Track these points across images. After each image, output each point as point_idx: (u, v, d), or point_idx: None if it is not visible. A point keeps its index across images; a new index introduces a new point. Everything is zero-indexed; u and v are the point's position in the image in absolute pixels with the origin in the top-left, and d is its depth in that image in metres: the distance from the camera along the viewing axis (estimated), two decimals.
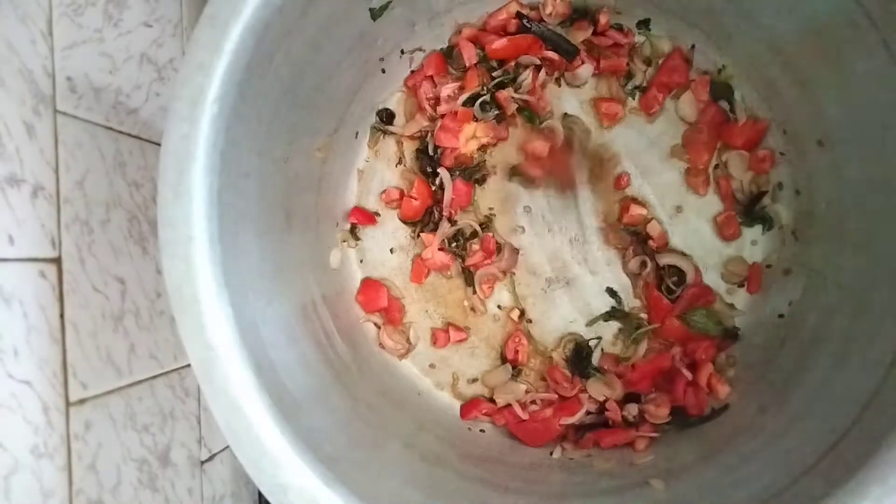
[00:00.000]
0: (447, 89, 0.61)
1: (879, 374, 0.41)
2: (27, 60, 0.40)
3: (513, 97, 0.61)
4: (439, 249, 0.63)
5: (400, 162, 0.65)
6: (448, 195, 0.62)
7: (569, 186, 0.62)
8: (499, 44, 0.60)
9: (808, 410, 0.47)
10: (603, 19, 0.60)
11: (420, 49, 0.62)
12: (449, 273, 0.65)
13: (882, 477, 0.34)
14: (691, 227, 0.62)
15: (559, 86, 0.63)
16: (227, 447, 0.53)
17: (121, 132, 0.49)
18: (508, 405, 0.62)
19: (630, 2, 0.59)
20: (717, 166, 0.61)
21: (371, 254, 0.65)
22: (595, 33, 0.61)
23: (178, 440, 0.54)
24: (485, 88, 0.61)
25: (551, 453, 0.59)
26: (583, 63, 0.61)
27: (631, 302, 0.63)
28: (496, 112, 0.62)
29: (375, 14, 0.52)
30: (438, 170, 0.63)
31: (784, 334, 0.57)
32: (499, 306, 0.64)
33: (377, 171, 0.65)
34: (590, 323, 0.63)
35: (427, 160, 0.63)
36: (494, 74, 0.61)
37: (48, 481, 0.39)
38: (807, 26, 0.48)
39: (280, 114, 0.46)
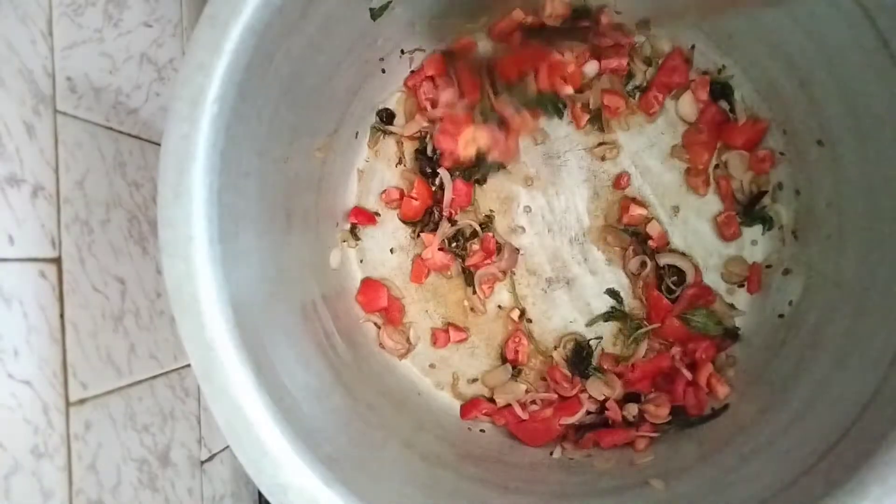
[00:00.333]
0: (446, 94, 0.61)
1: (879, 374, 0.41)
2: (27, 60, 0.40)
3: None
4: (439, 249, 0.63)
5: (400, 162, 0.65)
6: (448, 195, 0.62)
7: None
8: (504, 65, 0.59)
9: (808, 410, 0.47)
10: (604, 19, 0.60)
11: (420, 49, 0.62)
12: (449, 273, 0.65)
13: (882, 477, 0.34)
14: (691, 227, 0.62)
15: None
16: (227, 447, 0.53)
17: (121, 132, 0.49)
18: (508, 405, 0.62)
19: (630, 2, 0.59)
20: (717, 166, 0.61)
21: (371, 254, 0.65)
22: (596, 33, 0.61)
23: (178, 440, 0.54)
24: (485, 96, 0.61)
25: (551, 453, 0.59)
26: (586, 61, 0.61)
27: (631, 302, 0.63)
28: (496, 119, 0.62)
29: (375, 14, 0.52)
30: (438, 170, 0.63)
31: (784, 334, 0.57)
32: (499, 306, 0.64)
33: (377, 171, 0.65)
34: (590, 323, 0.63)
35: (426, 161, 0.63)
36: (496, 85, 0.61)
37: (48, 481, 0.39)
38: (807, 26, 0.48)
39: (280, 114, 0.46)
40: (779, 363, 0.55)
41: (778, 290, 0.59)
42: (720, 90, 0.60)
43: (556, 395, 0.62)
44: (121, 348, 0.47)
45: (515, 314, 0.64)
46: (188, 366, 0.55)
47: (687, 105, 0.61)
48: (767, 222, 0.60)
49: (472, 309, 0.65)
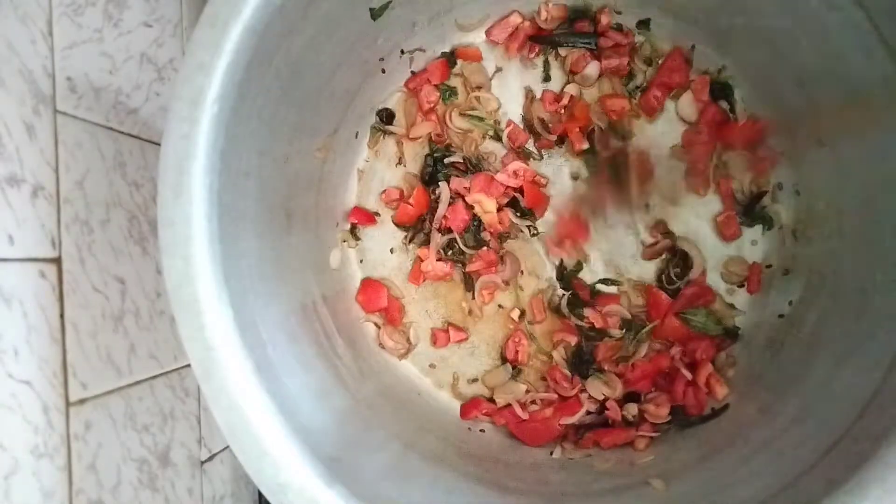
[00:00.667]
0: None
1: (879, 374, 0.41)
2: (27, 60, 0.40)
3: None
4: (437, 260, 0.63)
5: (400, 162, 0.65)
6: (441, 210, 0.62)
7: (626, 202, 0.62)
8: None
9: (808, 410, 0.47)
10: (604, 20, 0.60)
11: (420, 49, 0.62)
12: (450, 277, 0.65)
13: (882, 477, 0.34)
14: (691, 227, 0.62)
15: None
16: (227, 447, 0.53)
17: (121, 132, 0.49)
18: (508, 405, 0.62)
19: (630, 2, 0.59)
20: (716, 166, 0.61)
21: (371, 254, 0.65)
22: (596, 34, 0.61)
23: (178, 440, 0.54)
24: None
25: (551, 453, 0.59)
26: (588, 62, 0.61)
27: (633, 302, 0.63)
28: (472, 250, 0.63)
29: (375, 14, 0.52)
30: (439, 183, 0.63)
31: (784, 334, 0.57)
32: (500, 305, 0.64)
33: (377, 171, 0.65)
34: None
35: (434, 167, 0.63)
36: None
37: (48, 481, 0.39)
38: (807, 26, 0.48)
39: (280, 114, 0.46)
40: (779, 363, 0.55)
41: (778, 290, 0.59)
42: (720, 90, 0.60)
43: (556, 395, 0.62)
44: (121, 348, 0.47)
45: (516, 314, 0.64)
46: (188, 366, 0.55)
47: (687, 105, 0.60)
48: (767, 222, 0.60)
49: (469, 312, 0.64)
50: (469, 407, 0.63)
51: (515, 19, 0.61)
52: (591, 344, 0.62)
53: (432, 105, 0.63)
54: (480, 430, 0.63)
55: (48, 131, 0.41)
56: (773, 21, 0.51)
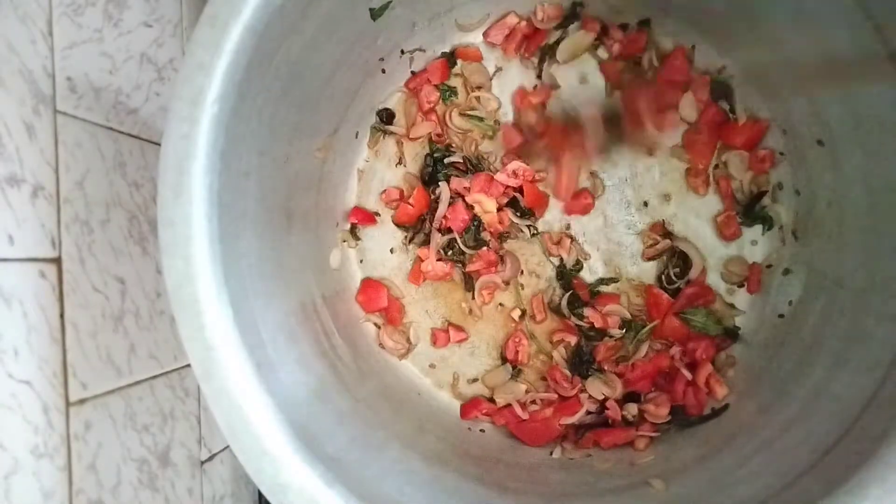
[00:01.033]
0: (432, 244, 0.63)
1: (879, 374, 0.41)
2: (27, 60, 0.40)
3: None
4: (437, 260, 0.63)
5: (400, 162, 0.65)
6: (441, 210, 0.62)
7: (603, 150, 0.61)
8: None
9: (808, 410, 0.47)
10: (617, 35, 0.60)
11: (420, 49, 0.62)
12: (450, 277, 0.65)
13: (882, 477, 0.34)
14: (691, 227, 0.62)
15: None
16: (227, 447, 0.53)
17: (121, 132, 0.49)
18: (508, 405, 0.62)
19: (630, 2, 0.59)
20: (716, 166, 0.61)
21: (371, 254, 0.65)
22: (604, 34, 0.61)
23: (178, 440, 0.54)
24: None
25: (551, 453, 0.59)
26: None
27: (633, 302, 0.63)
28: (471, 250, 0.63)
29: (375, 14, 0.52)
30: (440, 184, 0.63)
31: (784, 334, 0.57)
32: (500, 304, 0.64)
33: (377, 171, 0.65)
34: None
35: (433, 167, 0.63)
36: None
37: (48, 481, 0.39)
38: (807, 26, 0.48)
39: (280, 114, 0.46)
40: (779, 363, 0.55)
41: (778, 290, 0.59)
42: (720, 90, 0.60)
43: (556, 395, 0.62)
44: (121, 348, 0.47)
45: (516, 314, 0.64)
46: (188, 366, 0.55)
47: (687, 105, 0.60)
48: (767, 222, 0.60)
49: (469, 312, 0.64)
50: (469, 407, 0.63)
51: (512, 20, 0.61)
52: (591, 344, 0.62)
53: (432, 105, 0.63)
54: (480, 430, 0.63)
55: (48, 131, 0.41)
56: (773, 21, 0.51)
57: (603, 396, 0.60)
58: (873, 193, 0.48)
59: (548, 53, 0.62)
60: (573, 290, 0.62)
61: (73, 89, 0.44)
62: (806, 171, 0.57)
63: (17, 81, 0.39)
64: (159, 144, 0.40)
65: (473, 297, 0.64)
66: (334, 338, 0.56)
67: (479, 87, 0.63)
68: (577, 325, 0.62)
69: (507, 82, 0.63)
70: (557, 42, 0.61)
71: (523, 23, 0.62)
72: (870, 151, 0.48)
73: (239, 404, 0.36)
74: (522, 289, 0.64)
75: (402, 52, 0.61)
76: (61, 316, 0.42)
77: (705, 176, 0.61)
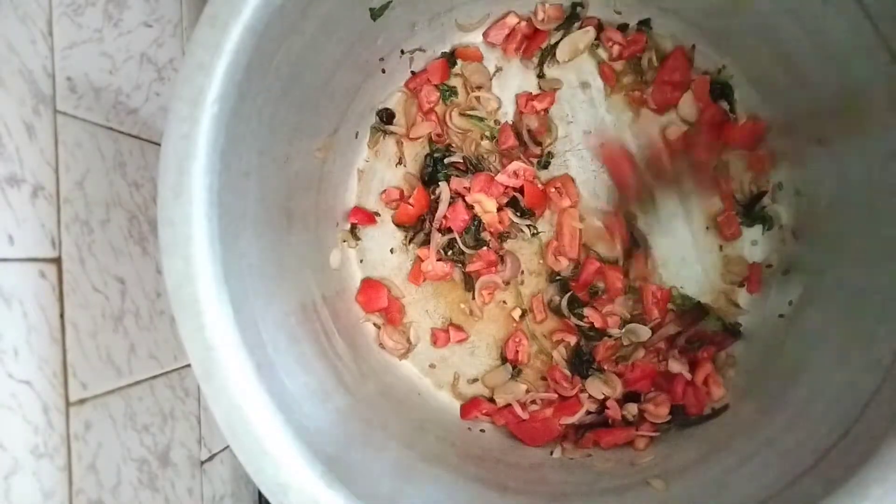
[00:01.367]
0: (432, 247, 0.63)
1: (879, 374, 0.41)
2: (27, 60, 0.40)
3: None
4: (437, 260, 0.63)
5: (400, 162, 0.65)
6: (441, 210, 0.62)
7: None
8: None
9: (808, 410, 0.47)
10: (616, 36, 0.60)
11: (420, 49, 0.62)
12: (450, 277, 0.65)
13: (882, 477, 0.34)
14: (691, 227, 0.62)
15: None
16: (227, 447, 0.53)
17: (121, 132, 0.49)
18: (508, 405, 0.62)
19: (631, 1, 0.59)
20: (716, 166, 0.61)
21: (371, 254, 0.65)
22: (603, 36, 0.61)
23: (178, 440, 0.54)
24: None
25: (551, 453, 0.59)
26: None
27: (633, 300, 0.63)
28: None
29: (375, 14, 0.52)
30: (440, 184, 0.63)
31: (784, 334, 0.57)
32: (504, 301, 0.64)
33: (377, 171, 0.65)
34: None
35: (434, 167, 0.63)
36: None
37: (48, 481, 0.39)
38: (807, 26, 0.48)
39: (280, 114, 0.46)
40: (779, 363, 0.55)
41: (778, 290, 0.59)
42: (720, 90, 0.60)
43: (556, 395, 0.62)
44: (121, 348, 0.47)
45: (517, 314, 0.64)
46: (188, 366, 0.55)
47: (687, 105, 0.60)
48: (767, 222, 0.60)
49: (470, 312, 0.64)
50: (469, 407, 0.63)
51: (512, 20, 0.61)
52: (590, 344, 0.62)
53: (432, 105, 0.63)
54: (480, 430, 0.63)
55: (48, 131, 0.41)
56: (773, 21, 0.51)
57: (603, 396, 0.60)
58: (873, 193, 0.48)
59: (548, 54, 0.62)
60: (572, 291, 0.62)
61: (73, 89, 0.44)
62: (806, 171, 0.57)
63: (17, 81, 0.39)
64: (159, 144, 0.40)
65: (473, 297, 0.64)
66: (334, 338, 0.56)
67: (479, 87, 0.63)
68: (576, 325, 0.62)
69: (507, 82, 0.63)
70: (558, 43, 0.61)
71: (523, 23, 0.62)
72: (870, 151, 0.48)
73: (239, 404, 0.36)
74: (522, 284, 0.64)
75: (402, 52, 0.61)
76: (61, 316, 0.42)
77: (708, 175, 0.61)
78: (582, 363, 0.62)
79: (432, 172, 0.63)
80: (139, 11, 0.51)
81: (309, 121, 0.52)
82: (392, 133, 0.64)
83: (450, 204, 0.63)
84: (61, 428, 0.41)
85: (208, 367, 0.36)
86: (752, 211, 0.60)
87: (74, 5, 0.44)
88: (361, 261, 0.65)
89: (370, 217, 0.64)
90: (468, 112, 0.63)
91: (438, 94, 0.63)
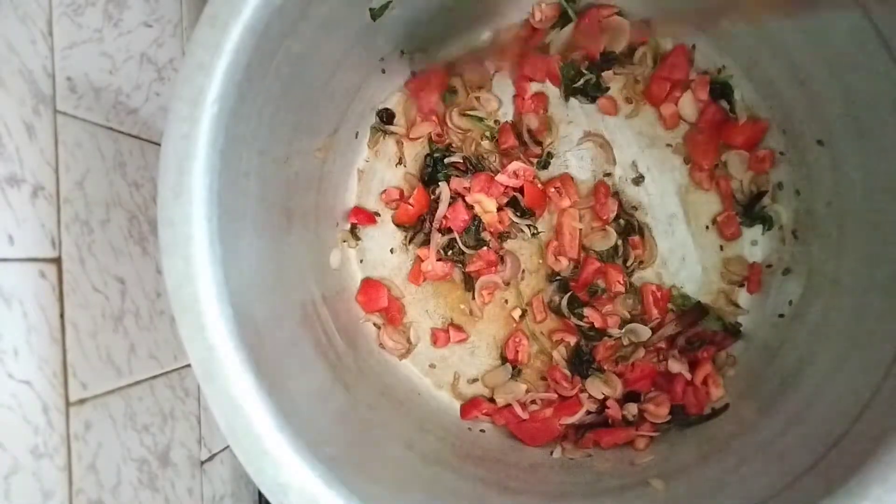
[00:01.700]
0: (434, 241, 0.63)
1: (879, 374, 0.41)
2: (27, 60, 0.40)
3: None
4: (437, 260, 0.63)
5: (400, 162, 0.65)
6: (441, 210, 0.62)
7: None
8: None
9: (808, 410, 0.47)
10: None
11: (420, 49, 0.62)
12: (450, 277, 0.65)
13: (882, 477, 0.34)
14: (691, 227, 0.62)
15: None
16: (227, 447, 0.53)
17: (121, 132, 0.49)
18: (509, 405, 0.62)
19: (630, 1, 0.59)
20: (716, 166, 0.61)
21: (371, 254, 0.65)
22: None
23: (178, 440, 0.54)
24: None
25: (551, 453, 0.59)
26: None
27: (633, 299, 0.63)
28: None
29: (375, 14, 0.52)
30: (439, 184, 0.63)
31: (784, 334, 0.57)
32: (505, 301, 0.64)
33: (377, 171, 0.65)
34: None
35: (433, 167, 0.63)
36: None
37: (48, 481, 0.39)
38: (807, 26, 0.48)
39: (280, 114, 0.46)
40: (779, 363, 0.55)
41: (778, 290, 0.59)
42: (720, 90, 0.60)
43: (556, 395, 0.62)
44: (121, 348, 0.47)
45: (517, 314, 0.64)
46: (188, 366, 0.55)
47: (687, 105, 0.60)
48: (767, 222, 0.60)
49: (470, 312, 0.64)
50: (469, 407, 0.63)
51: (514, 28, 0.61)
52: (590, 344, 0.62)
53: (432, 105, 0.63)
54: (480, 431, 0.63)
55: (48, 131, 0.41)
56: (773, 21, 0.51)
57: (603, 396, 0.60)
58: (873, 193, 0.48)
59: (546, 52, 0.62)
60: (572, 291, 0.62)
61: (73, 89, 0.44)
62: (806, 171, 0.57)
63: (17, 81, 0.39)
64: (159, 144, 0.40)
65: (474, 298, 0.64)
66: (334, 338, 0.56)
67: (479, 87, 0.63)
68: (576, 324, 0.62)
69: (507, 82, 0.63)
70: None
71: (524, 32, 0.62)
72: (870, 151, 0.48)
73: (239, 404, 0.36)
74: (522, 283, 0.64)
75: (402, 52, 0.61)
76: (61, 316, 0.42)
77: (709, 174, 0.61)
78: (582, 363, 0.62)
79: (432, 172, 0.63)
80: (139, 11, 0.51)
81: (309, 121, 0.52)
82: (392, 133, 0.64)
83: (450, 204, 0.63)
84: (61, 428, 0.41)
85: (208, 367, 0.36)
86: (752, 211, 0.60)
87: (74, 5, 0.44)
88: (361, 261, 0.65)
89: (370, 217, 0.64)
90: (468, 112, 0.63)
91: (438, 94, 0.63)
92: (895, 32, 0.42)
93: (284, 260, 0.50)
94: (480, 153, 0.63)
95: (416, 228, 0.64)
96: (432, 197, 0.63)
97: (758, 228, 0.61)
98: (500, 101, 0.63)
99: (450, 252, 0.64)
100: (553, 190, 0.62)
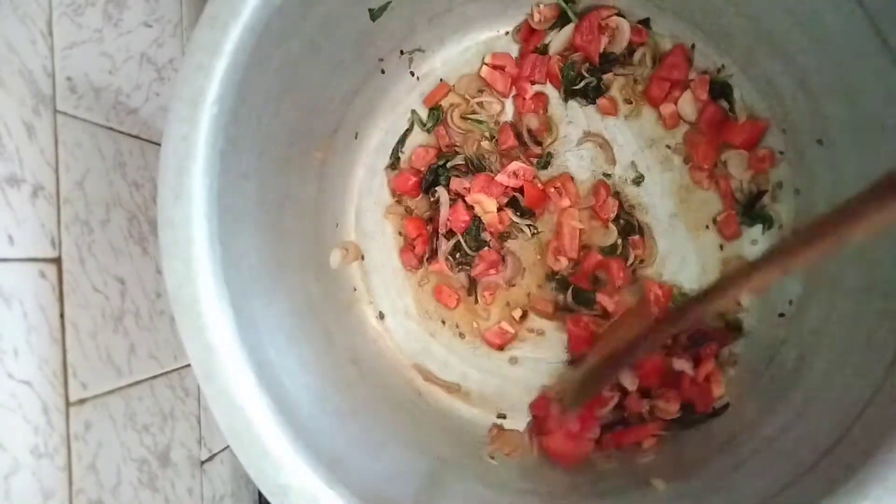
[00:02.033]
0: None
1: (879, 374, 0.41)
2: (27, 60, 0.40)
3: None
4: (448, 268, 0.63)
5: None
6: (444, 214, 0.62)
7: None
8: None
9: (808, 410, 0.47)
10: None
11: (419, 49, 0.62)
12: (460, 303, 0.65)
13: (882, 477, 0.34)
14: (691, 227, 0.62)
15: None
16: (227, 447, 0.53)
17: (121, 132, 0.49)
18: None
19: (630, 1, 0.59)
20: (716, 166, 0.61)
21: (371, 254, 0.65)
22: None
23: (178, 440, 0.54)
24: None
25: None
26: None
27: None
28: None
29: (375, 14, 0.52)
30: (437, 189, 0.63)
31: (784, 333, 0.57)
32: (507, 303, 0.64)
33: (377, 172, 0.65)
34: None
35: (434, 175, 0.63)
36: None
37: (48, 481, 0.39)
38: (806, 26, 0.48)
39: (280, 114, 0.46)
40: (779, 362, 0.55)
41: (778, 289, 0.59)
42: (719, 89, 0.60)
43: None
44: (121, 348, 0.47)
45: (518, 314, 0.64)
46: (188, 366, 0.55)
47: (687, 105, 0.60)
48: (767, 222, 0.60)
49: (475, 315, 0.64)
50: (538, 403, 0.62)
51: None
52: None
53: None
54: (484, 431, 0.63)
55: (48, 131, 0.41)
56: (773, 21, 0.51)
57: (629, 387, 0.59)
58: None
59: (545, 53, 0.62)
60: (574, 285, 0.62)
61: (73, 89, 0.44)
62: (806, 171, 0.57)
63: (17, 81, 0.39)
64: (159, 144, 0.40)
65: (476, 301, 0.64)
66: (334, 338, 0.56)
67: (479, 92, 0.63)
68: (587, 314, 0.62)
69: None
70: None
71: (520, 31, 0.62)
72: (869, 151, 0.48)
73: (239, 405, 0.36)
74: (523, 279, 0.64)
75: (402, 52, 0.61)
76: (61, 316, 0.42)
77: (709, 173, 0.61)
78: (581, 296, 0.62)
79: (433, 181, 0.63)
80: (139, 11, 0.51)
81: (308, 121, 0.52)
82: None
83: (450, 205, 0.63)
84: (61, 428, 0.41)
85: (208, 367, 0.36)
86: (752, 211, 0.60)
87: (74, 5, 0.44)
88: (362, 258, 0.65)
89: (370, 217, 0.64)
90: (469, 116, 0.63)
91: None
92: (895, 32, 0.42)
93: (284, 260, 0.50)
94: (481, 153, 0.63)
95: (427, 254, 0.64)
96: (431, 199, 0.63)
97: (758, 228, 0.60)
98: (502, 103, 0.63)
99: (457, 255, 0.63)
100: (553, 190, 0.62)
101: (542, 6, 0.60)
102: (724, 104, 0.60)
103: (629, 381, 0.59)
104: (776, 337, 0.57)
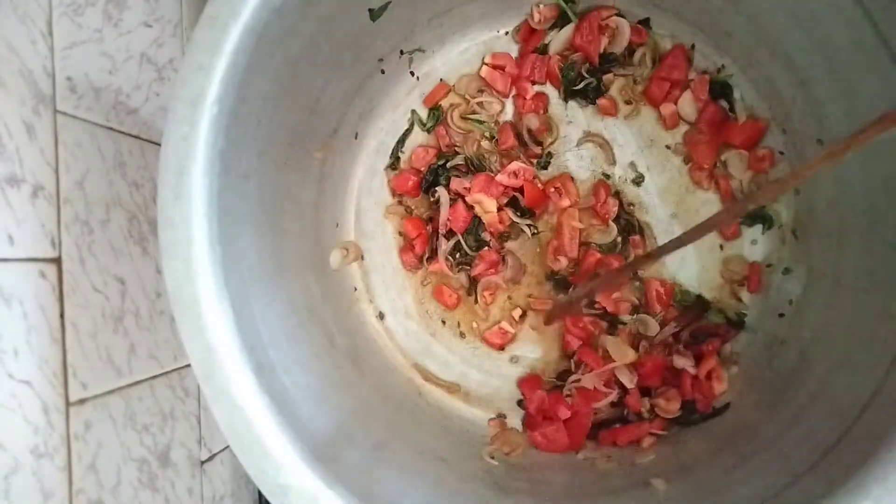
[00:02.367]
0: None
1: (879, 374, 0.41)
2: (27, 60, 0.40)
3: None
4: (448, 268, 0.63)
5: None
6: (444, 214, 0.62)
7: None
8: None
9: (808, 410, 0.47)
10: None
11: (419, 49, 0.62)
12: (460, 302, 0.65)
13: (882, 477, 0.34)
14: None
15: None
16: (227, 447, 0.53)
17: (121, 132, 0.49)
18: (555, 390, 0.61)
19: (630, 1, 0.59)
20: (716, 165, 0.61)
21: (371, 254, 0.65)
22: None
23: (178, 440, 0.54)
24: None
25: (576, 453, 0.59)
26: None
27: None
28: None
29: (375, 14, 0.52)
30: (437, 189, 0.63)
31: (784, 333, 0.57)
32: (507, 302, 0.64)
33: (377, 172, 0.65)
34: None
35: (434, 175, 0.63)
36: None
37: (48, 481, 0.39)
38: (806, 26, 0.48)
39: (279, 115, 0.46)
40: (779, 362, 0.56)
41: (778, 289, 0.59)
42: (719, 89, 0.60)
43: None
44: (121, 348, 0.47)
45: (517, 313, 0.64)
46: (188, 366, 0.55)
47: (687, 105, 0.60)
48: (767, 222, 0.60)
49: (475, 315, 0.64)
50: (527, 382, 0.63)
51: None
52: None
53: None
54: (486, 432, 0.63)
55: (48, 131, 0.41)
56: (773, 21, 0.51)
57: (627, 384, 0.59)
58: (873, 193, 0.48)
59: (545, 53, 0.62)
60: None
61: (73, 89, 0.44)
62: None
63: (17, 81, 0.39)
64: (159, 144, 0.40)
65: (476, 301, 0.64)
66: (334, 338, 0.56)
67: (479, 92, 0.63)
68: (588, 313, 0.62)
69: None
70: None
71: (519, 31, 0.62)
72: (869, 151, 0.48)
73: (240, 405, 0.36)
74: (524, 290, 0.64)
75: (402, 52, 0.61)
76: (61, 316, 0.42)
77: (709, 173, 0.61)
78: None
79: (433, 181, 0.63)
80: (139, 11, 0.51)
81: (308, 122, 0.52)
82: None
83: (450, 205, 0.62)
84: (61, 428, 0.41)
85: (209, 367, 0.36)
86: (751, 210, 0.60)
87: (74, 5, 0.44)
88: (362, 258, 0.65)
89: (370, 217, 0.64)
90: (469, 116, 0.63)
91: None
92: (895, 32, 0.42)
93: (284, 260, 0.50)
94: (481, 153, 0.63)
95: (427, 254, 0.64)
96: (431, 199, 0.63)
97: (758, 228, 0.60)
98: (502, 103, 0.63)
99: (457, 255, 0.63)
100: (553, 190, 0.62)
101: (541, 6, 0.60)
102: (724, 104, 0.60)
103: (627, 379, 0.59)
104: (776, 337, 0.58)
